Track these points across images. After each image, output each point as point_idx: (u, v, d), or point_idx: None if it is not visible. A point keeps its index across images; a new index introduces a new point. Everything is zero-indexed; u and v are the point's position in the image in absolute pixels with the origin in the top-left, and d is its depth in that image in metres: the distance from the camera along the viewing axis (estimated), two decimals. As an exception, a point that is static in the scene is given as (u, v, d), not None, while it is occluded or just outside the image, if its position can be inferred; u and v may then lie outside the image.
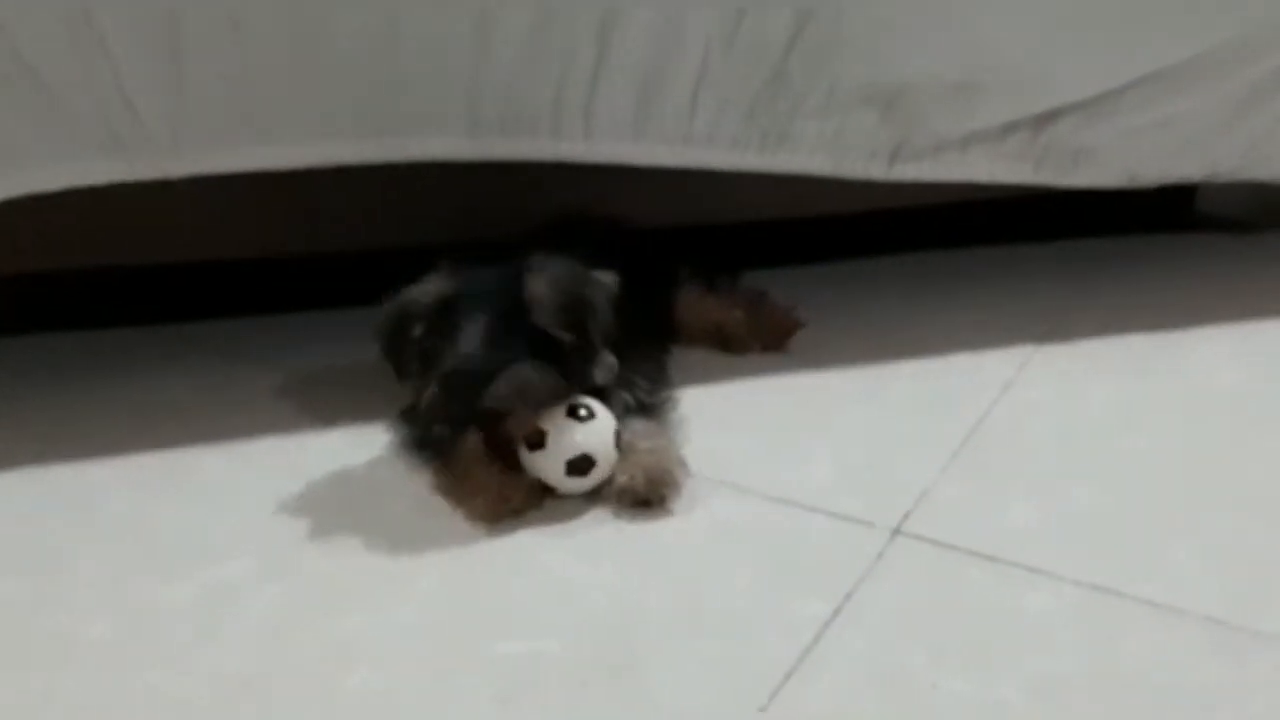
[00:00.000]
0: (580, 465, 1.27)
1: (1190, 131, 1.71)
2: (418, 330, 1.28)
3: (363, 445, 1.43)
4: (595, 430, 1.29)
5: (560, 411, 1.28)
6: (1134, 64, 1.61)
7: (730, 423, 1.47)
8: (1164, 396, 1.53)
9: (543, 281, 1.28)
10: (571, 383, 1.29)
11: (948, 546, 1.23)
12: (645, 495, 1.28)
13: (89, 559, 1.24)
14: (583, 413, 1.28)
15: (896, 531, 1.25)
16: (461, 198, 1.59)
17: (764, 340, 1.67)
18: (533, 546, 1.24)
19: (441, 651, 1.10)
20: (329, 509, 1.30)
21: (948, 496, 1.32)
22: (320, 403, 1.53)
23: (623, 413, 1.35)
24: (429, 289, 1.29)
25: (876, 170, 1.62)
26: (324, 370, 1.61)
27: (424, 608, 1.16)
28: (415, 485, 1.34)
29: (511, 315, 1.27)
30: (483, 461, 1.30)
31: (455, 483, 1.31)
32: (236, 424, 1.47)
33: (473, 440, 1.31)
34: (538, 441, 1.27)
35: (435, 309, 1.28)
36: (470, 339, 1.25)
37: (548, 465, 1.28)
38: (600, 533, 1.26)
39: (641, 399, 1.39)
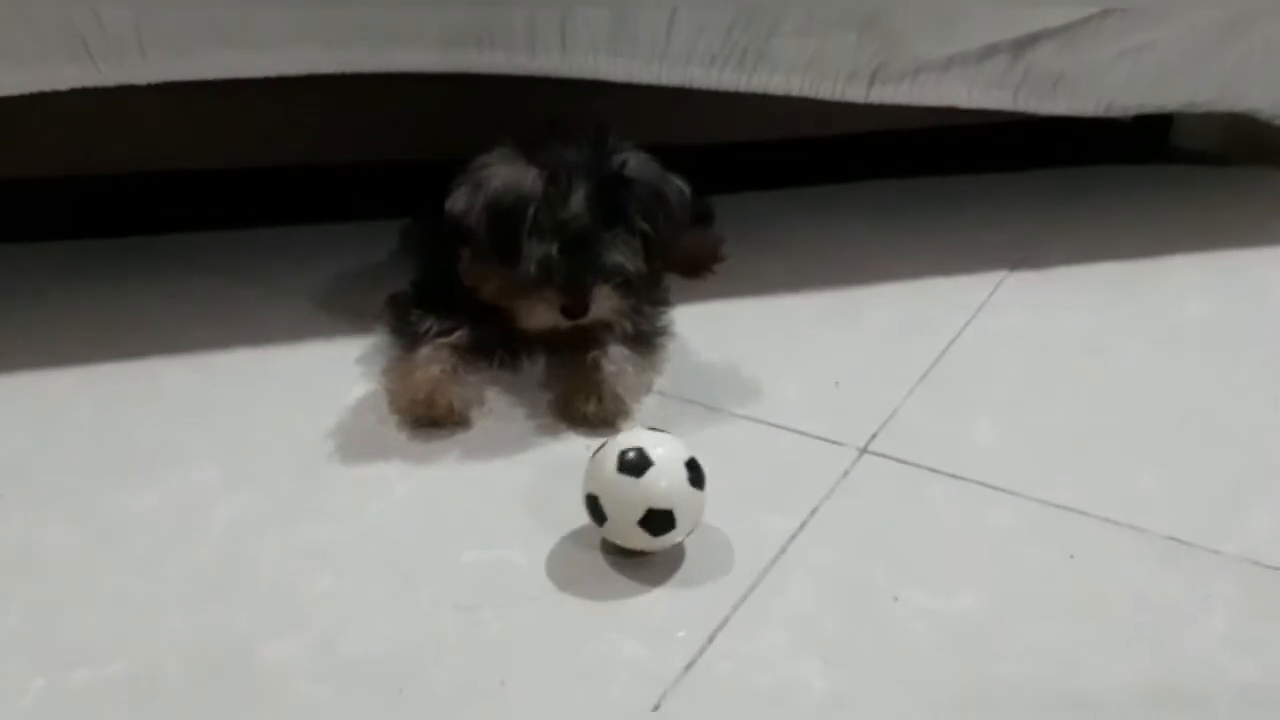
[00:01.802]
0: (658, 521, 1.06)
1: (1169, 60, 1.70)
2: (533, 209, 1.26)
3: (330, 358, 1.41)
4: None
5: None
6: (1115, -11, 1.60)
7: (701, 344, 1.46)
8: (1133, 323, 1.54)
9: (638, 170, 1.30)
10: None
11: (913, 465, 1.24)
12: (595, 418, 1.29)
13: (52, 469, 1.23)
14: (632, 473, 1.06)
15: (863, 450, 1.26)
16: (435, 111, 1.56)
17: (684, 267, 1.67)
18: (501, 461, 1.24)
19: (407, 559, 1.10)
20: (295, 419, 1.30)
21: (915, 417, 1.32)
22: (287, 315, 1.51)
23: (619, 339, 1.35)
24: (516, 169, 1.28)
25: (855, 92, 1.60)
26: (290, 283, 1.59)
27: (390, 516, 1.16)
28: (382, 397, 1.33)
29: (611, 189, 1.27)
30: (432, 368, 1.29)
31: (397, 378, 1.31)
32: (202, 336, 1.45)
33: (439, 347, 1.31)
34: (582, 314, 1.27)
35: (547, 184, 1.26)
36: (580, 203, 1.25)
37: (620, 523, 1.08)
38: (568, 450, 1.25)
39: (641, 327, 1.38)
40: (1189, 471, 1.24)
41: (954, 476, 1.21)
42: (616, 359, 1.33)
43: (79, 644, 0.99)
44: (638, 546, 1.08)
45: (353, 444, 1.26)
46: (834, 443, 1.27)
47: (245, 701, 0.94)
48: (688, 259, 1.64)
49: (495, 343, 1.37)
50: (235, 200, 1.77)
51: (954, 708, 0.94)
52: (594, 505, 1.08)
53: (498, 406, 1.33)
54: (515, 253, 1.26)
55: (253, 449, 1.26)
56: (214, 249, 1.69)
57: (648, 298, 1.42)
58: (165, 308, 1.53)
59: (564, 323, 1.29)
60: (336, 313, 1.51)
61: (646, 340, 1.39)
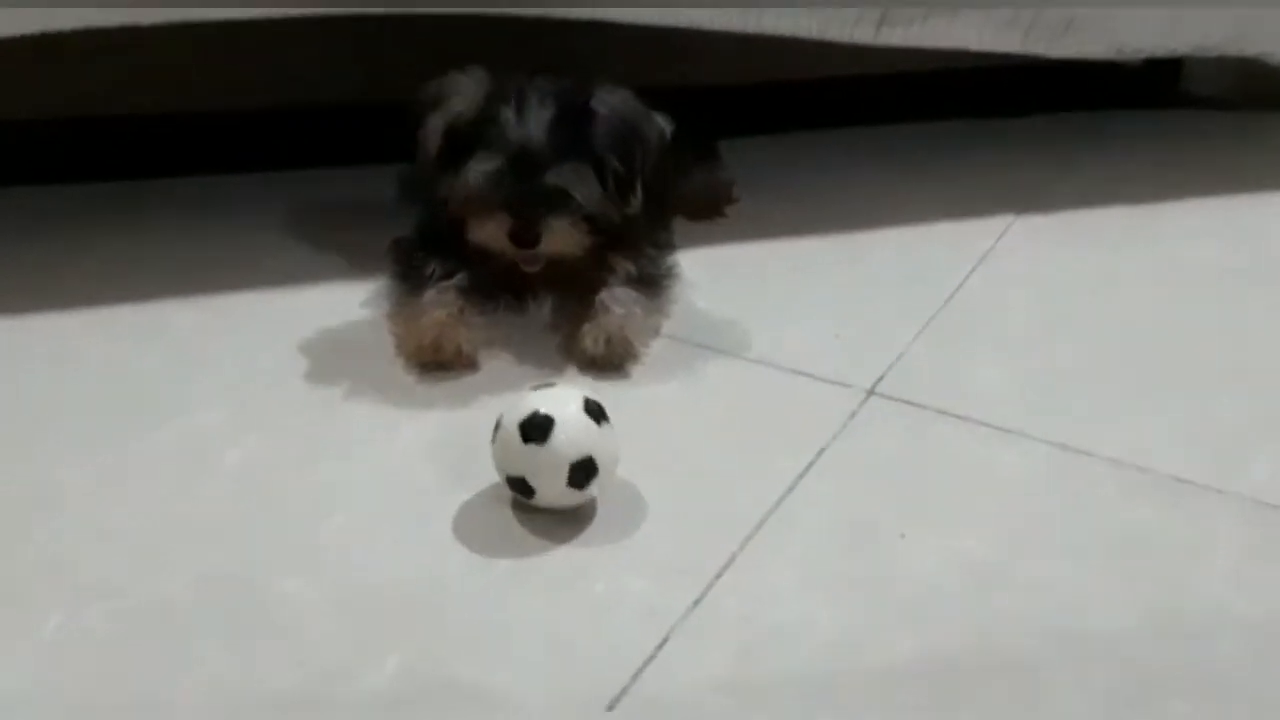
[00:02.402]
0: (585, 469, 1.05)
1: (1179, 2, 1.69)
2: (504, 113, 1.25)
3: (338, 300, 1.42)
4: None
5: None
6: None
7: (708, 288, 1.46)
8: (1140, 267, 1.54)
9: (608, 104, 1.28)
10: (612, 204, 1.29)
11: (920, 407, 1.24)
12: (604, 361, 1.29)
13: (66, 408, 1.24)
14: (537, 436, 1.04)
15: (870, 392, 1.26)
16: (439, 54, 1.55)
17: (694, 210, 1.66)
18: (510, 402, 1.24)
19: (416, 498, 1.11)
20: (304, 361, 1.30)
21: (922, 360, 1.33)
22: (296, 258, 1.51)
23: (623, 280, 1.35)
24: (478, 85, 1.27)
25: (863, 34, 1.59)
26: (300, 226, 1.59)
27: (399, 457, 1.17)
28: (391, 339, 1.33)
29: (574, 120, 1.26)
30: (438, 311, 1.30)
31: (403, 323, 1.32)
32: (212, 279, 1.45)
33: (444, 290, 1.31)
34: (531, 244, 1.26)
35: (495, 100, 1.26)
36: (538, 126, 1.24)
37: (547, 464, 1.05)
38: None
39: (645, 270, 1.38)
40: (1195, 413, 1.24)
41: (960, 418, 1.22)
42: (624, 301, 1.33)
43: (95, 579, 1.00)
44: (571, 504, 1.06)
45: (361, 385, 1.26)
46: (841, 385, 1.28)
47: (259, 634, 0.95)
48: (698, 202, 1.64)
49: (499, 285, 1.37)
50: (242, 143, 1.77)
51: (959, 645, 0.95)
52: (520, 484, 1.05)
53: (505, 349, 1.33)
54: (456, 165, 1.26)
55: (262, 390, 1.26)
56: (220, 192, 1.69)
57: (650, 240, 1.41)
58: (173, 250, 1.54)
59: (513, 250, 1.28)
60: (344, 254, 1.51)
61: (653, 282, 1.39)
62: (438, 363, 1.29)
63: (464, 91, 1.28)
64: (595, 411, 1.06)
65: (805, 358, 1.32)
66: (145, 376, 1.29)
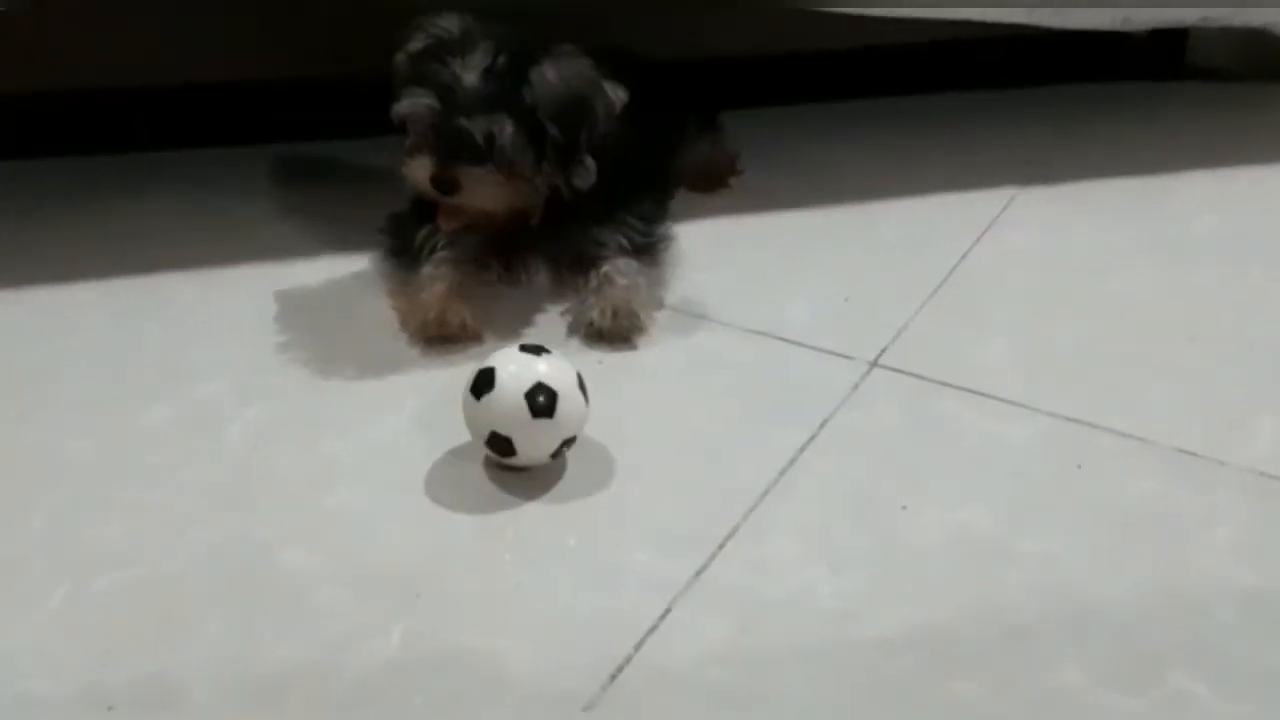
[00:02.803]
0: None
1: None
2: (450, 55, 1.23)
3: (340, 272, 1.42)
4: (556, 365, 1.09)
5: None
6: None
7: (711, 260, 1.46)
8: (1144, 239, 1.53)
9: (555, 69, 1.24)
10: (540, 168, 1.26)
11: (923, 379, 1.24)
12: (611, 334, 1.29)
13: (68, 380, 1.24)
14: (542, 398, 1.06)
15: (874, 364, 1.26)
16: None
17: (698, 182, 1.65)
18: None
19: (421, 470, 1.11)
20: (306, 334, 1.30)
21: (926, 332, 1.33)
22: (298, 230, 1.51)
23: (616, 253, 1.34)
24: (449, 25, 1.26)
25: (867, 5, 1.58)
26: (302, 199, 1.59)
27: (402, 429, 1.17)
28: (392, 312, 1.33)
29: (515, 76, 1.23)
30: (437, 285, 1.29)
31: (405, 298, 1.32)
32: (213, 251, 1.45)
33: (439, 264, 1.31)
34: (449, 190, 1.24)
35: (456, 41, 1.24)
36: (474, 72, 1.22)
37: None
38: (579, 363, 1.25)
39: (635, 239, 1.38)
40: (1198, 384, 1.24)
41: (964, 390, 1.22)
42: (627, 272, 1.32)
43: (101, 551, 1.01)
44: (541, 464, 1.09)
45: (363, 357, 1.26)
46: (844, 357, 1.28)
47: (265, 605, 0.96)
48: (701, 174, 1.63)
49: (490, 255, 1.36)
50: (244, 116, 1.76)
51: (961, 616, 0.96)
52: (504, 445, 1.06)
53: (509, 321, 1.33)
54: (417, 78, 1.25)
55: (264, 363, 1.26)
56: (222, 164, 1.68)
57: (635, 211, 1.40)
58: (175, 223, 1.54)
59: (435, 195, 1.26)
60: (346, 226, 1.50)
61: (648, 251, 1.38)
62: (443, 337, 1.29)
63: (428, 29, 1.26)
64: (583, 386, 1.08)
65: (808, 329, 1.32)
66: (148, 349, 1.29)
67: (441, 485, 1.09)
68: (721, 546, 1.02)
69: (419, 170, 1.26)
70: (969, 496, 1.08)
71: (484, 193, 1.26)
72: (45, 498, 1.07)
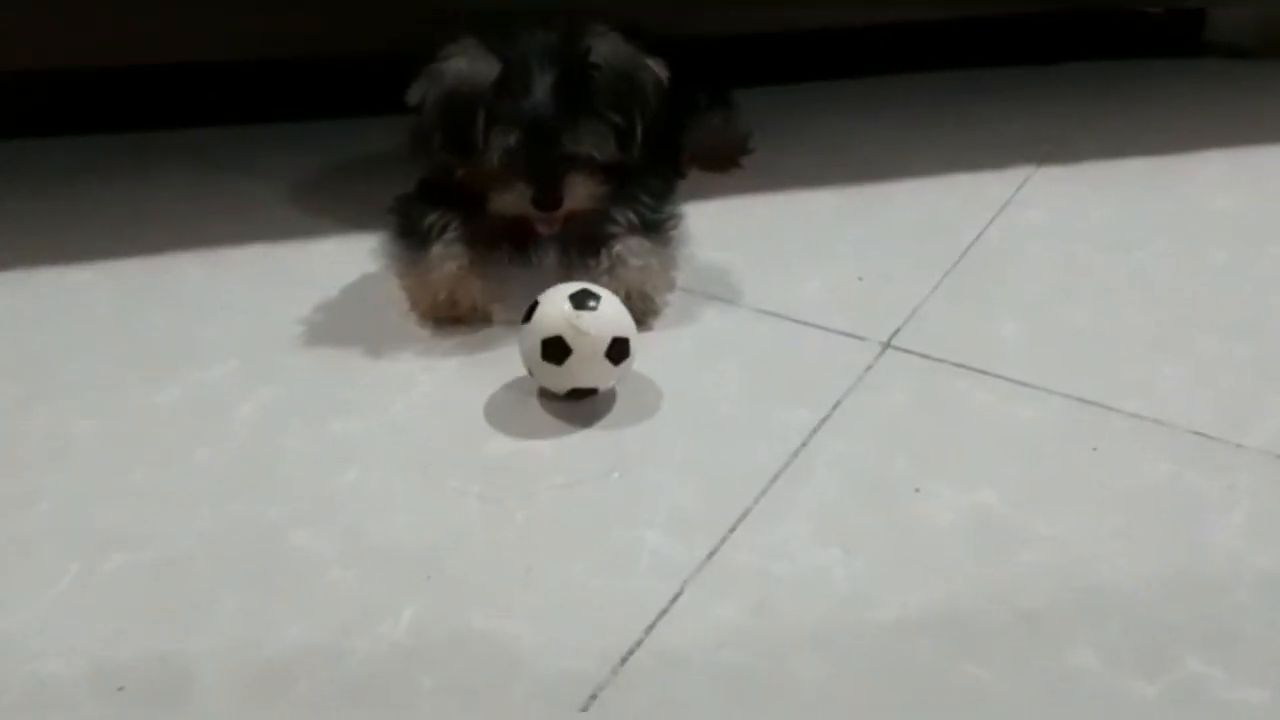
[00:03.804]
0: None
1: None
2: (487, 100, 1.23)
3: (349, 252, 1.41)
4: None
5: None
6: None
7: (724, 240, 1.45)
8: (1161, 218, 1.52)
9: (602, 51, 1.26)
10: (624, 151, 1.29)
11: (937, 360, 1.23)
12: None
13: (76, 362, 1.24)
14: (592, 303, 1.13)
15: (887, 345, 1.25)
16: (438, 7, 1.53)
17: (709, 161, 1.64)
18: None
19: (431, 451, 1.10)
20: (315, 314, 1.30)
21: (939, 313, 1.31)
22: (306, 210, 1.51)
23: (625, 231, 1.34)
24: (474, 62, 1.25)
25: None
26: (309, 178, 1.58)
27: (411, 411, 1.16)
28: (401, 292, 1.33)
29: (577, 78, 1.24)
30: (448, 265, 1.29)
31: (415, 279, 1.31)
32: (221, 231, 1.45)
33: (449, 244, 1.30)
34: (553, 207, 1.27)
35: (501, 76, 1.24)
36: (543, 92, 1.23)
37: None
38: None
39: (646, 216, 1.37)
40: (1213, 366, 1.23)
41: (978, 371, 1.21)
42: (639, 252, 1.31)
43: (111, 532, 1.01)
44: (602, 381, 1.15)
45: (373, 338, 1.26)
46: (857, 338, 1.27)
47: (275, 585, 0.96)
48: (713, 152, 1.62)
49: (500, 235, 1.36)
50: (251, 94, 1.75)
51: (975, 598, 0.95)
52: (558, 345, 1.11)
53: (519, 301, 1.31)
54: (470, 145, 1.24)
55: (273, 343, 1.26)
56: (230, 143, 1.68)
57: (646, 189, 1.39)
58: (182, 202, 1.53)
59: (536, 214, 1.27)
60: (355, 206, 1.50)
61: (658, 229, 1.37)
62: (453, 317, 1.28)
63: (455, 64, 1.25)
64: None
65: (821, 310, 1.31)
66: (155, 330, 1.29)
67: (452, 467, 1.08)
68: (733, 529, 1.01)
69: (515, 199, 1.26)
70: (982, 478, 1.07)
71: (582, 194, 1.28)
72: (54, 479, 1.07)
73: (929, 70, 1.94)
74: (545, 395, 1.17)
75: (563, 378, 1.13)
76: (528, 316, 1.14)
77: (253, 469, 1.09)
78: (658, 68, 1.29)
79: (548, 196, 1.26)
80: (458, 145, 1.25)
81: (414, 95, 1.26)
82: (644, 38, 1.33)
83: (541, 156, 1.24)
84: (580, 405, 1.15)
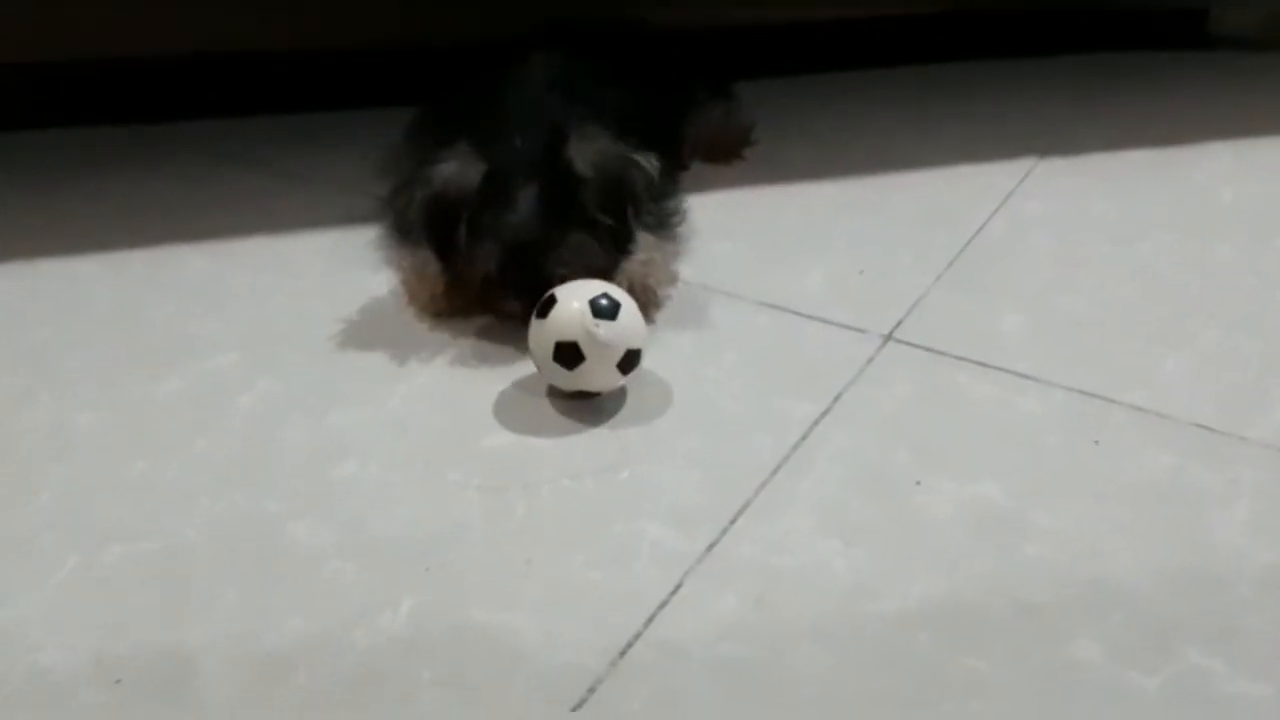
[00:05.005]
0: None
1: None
2: (468, 209, 1.22)
3: (348, 243, 1.41)
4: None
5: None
6: None
7: (726, 232, 1.45)
8: (1163, 210, 1.51)
9: (586, 158, 1.23)
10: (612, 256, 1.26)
11: (939, 353, 1.23)
12: None
13: (77, 354, 1.24)
14: (611, 311, 1.11)
15: (888, 338, 1.25)
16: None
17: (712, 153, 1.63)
18: (521, 347, 1.23)
19: (431, 443, 1.10)
20: (316, 307, 1.30)
21: (941, 305, 1.31)
22: (306, 203, 1.51)
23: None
24: (464, 167, 1.23)
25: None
26: (310, 171, 1.58)
27: (411, 403, 1.16)
28: (400, 285, 1.32)
29: (559, 186, 1.22)
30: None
31: (412, 275, 1.31)
32: (222, 223, 1.45)
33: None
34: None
35: (483, 184, 1.22)
36: (526, 207, 1.21)
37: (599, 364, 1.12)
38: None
39: (649, 209, 1.36)
40: (1216, 359, 1.22)
41: (979, 364, 1.21)
42: (644, 246, 1.31)
43: (111, 523, 1.01)
44: (610, 386, 1.14)
45: (374, 330, 1.26)
46: (858, 330, 1.26)
47: (275, 577, 0.95)
48: (715, 144, 1.62)
49: None
50: (254, 87, 1.75)
51: (976, 591, 0.95)
52: (571, 351, 1.10)
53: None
54: (452, 252, 1.24)
55: (274, 335, 1.26)
56: (232, 136, 1.68)
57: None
58: (185, 194, 1.53)
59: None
60: (354, 198, 1.50)
61: (662, 225, 1.37)
62: (450, 310, 1.28)
63: (444, 169, 1.23)
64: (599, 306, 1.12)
65: (823, 302, 1.31)
66: (157, 322, 1.29)
67: (452, 459, 1.08)
68: (734, 521, 1.01)
69: (506, 305, 1.25)
70: (984, 471, 1.06)
71: (583, 265, 1.23)
72: (54, 471, 1.07)
73: (932, 62, 1.93)
74: (552, 391, 1.16)
75: (571, 380, 1.12)
76: (543, 311, 1.12)
77: (253, 461, 1.08)
78: (646, 163, 1.27)
79: (535, 307, 1.22)
80: (438, 251, 1.26)
81: (398, 200, 1.27)
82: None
83: (529, 274, 1.21)
84: (576, 400, 1.15)
